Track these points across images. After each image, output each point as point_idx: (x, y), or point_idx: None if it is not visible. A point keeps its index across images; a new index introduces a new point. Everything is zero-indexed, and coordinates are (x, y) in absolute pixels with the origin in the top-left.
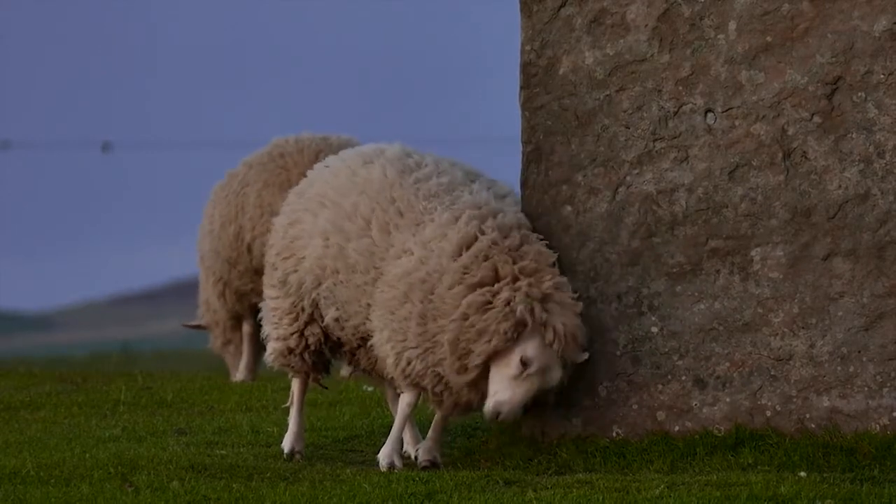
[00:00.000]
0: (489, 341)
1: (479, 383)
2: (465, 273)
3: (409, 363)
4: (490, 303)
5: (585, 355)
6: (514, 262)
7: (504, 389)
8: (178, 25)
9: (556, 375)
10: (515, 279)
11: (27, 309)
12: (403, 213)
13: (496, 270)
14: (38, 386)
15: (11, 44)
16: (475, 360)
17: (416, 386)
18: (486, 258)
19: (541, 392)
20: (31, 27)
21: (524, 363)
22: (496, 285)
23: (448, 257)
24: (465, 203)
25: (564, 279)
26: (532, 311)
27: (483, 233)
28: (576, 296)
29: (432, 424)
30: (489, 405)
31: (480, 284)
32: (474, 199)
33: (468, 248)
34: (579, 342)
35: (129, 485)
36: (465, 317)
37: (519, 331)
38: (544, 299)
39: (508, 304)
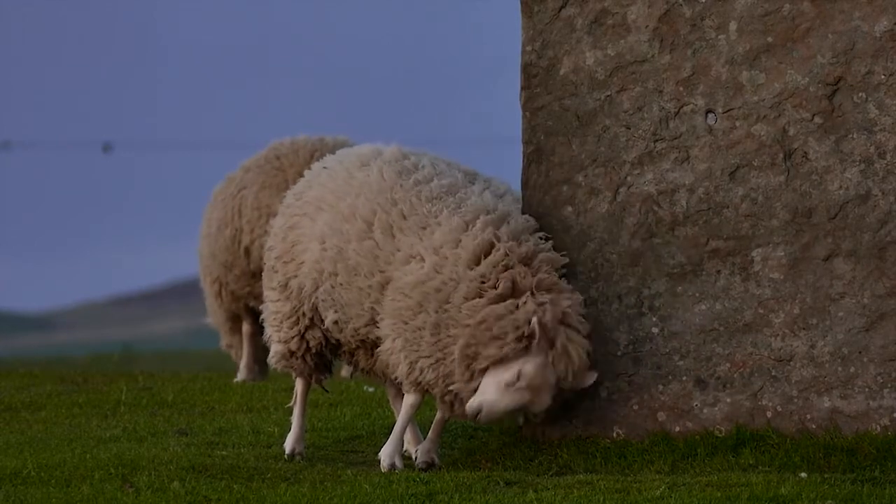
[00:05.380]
0: (501, 347)
1: None
2: (483, 282)
3: (421, 372)
4: (512, 313)
5: (593, 377)
6: (533, 275)
7: (492, 392)
8: (181, 25)
9: (544, 400)
10: (534, 293)
11: (27, 309)
12: (407, 216)
13: (514, 283)
14: (39, 386)
15: (12, 43)
16: (481, 363)
17: (426, 392)
18: (505, 268)
19: (524, 412)
20: (32, 27)
21: (521, 376)
22: (520, 298)
23: (464, 266)
24: (473, 206)
25: (579, 297)
26: (545, 329)
27: (499, 239)
28: (585, 312)
29: (432, 425)
30: (474, 401)
31: (501, 298)
32: (483, 203)
33: (486, 256)
34: (585, 369)
35: (130, 485)
36: (483, 321)
37: (528, 344)
38: (562, 319)
39: (530, 316)
